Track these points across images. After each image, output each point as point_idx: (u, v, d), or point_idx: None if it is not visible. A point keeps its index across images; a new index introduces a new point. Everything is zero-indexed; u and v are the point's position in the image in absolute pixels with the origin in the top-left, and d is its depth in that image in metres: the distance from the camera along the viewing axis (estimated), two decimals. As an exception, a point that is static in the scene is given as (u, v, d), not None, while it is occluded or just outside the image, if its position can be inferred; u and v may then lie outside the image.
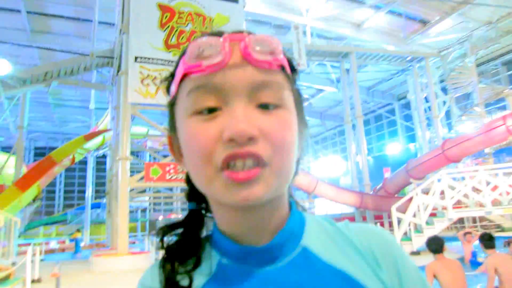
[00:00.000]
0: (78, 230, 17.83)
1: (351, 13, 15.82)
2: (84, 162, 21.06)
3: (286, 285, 0.54)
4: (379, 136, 25.99)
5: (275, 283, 0.54)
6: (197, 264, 0.57)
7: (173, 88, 0.55)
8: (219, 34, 0.53)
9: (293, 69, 0.58)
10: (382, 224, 12.77)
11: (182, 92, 0.53)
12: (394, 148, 23.63)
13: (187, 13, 9.89)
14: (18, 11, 13.35)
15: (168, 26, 9.69)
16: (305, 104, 0.62)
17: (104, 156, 20.56)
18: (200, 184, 0.53)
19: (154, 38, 9.53)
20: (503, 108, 14.84)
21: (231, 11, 10.43)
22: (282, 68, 0.54)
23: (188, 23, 9.88)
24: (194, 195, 0.61)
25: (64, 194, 30.11)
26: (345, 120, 14.68)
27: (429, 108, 16.02)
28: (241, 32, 0.54)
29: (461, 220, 13.36)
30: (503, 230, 12.45)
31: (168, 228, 0.61)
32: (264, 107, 0.51)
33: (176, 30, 9.76)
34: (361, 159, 14.09)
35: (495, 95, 14.20)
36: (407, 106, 21.06)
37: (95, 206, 22.29)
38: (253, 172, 0.49)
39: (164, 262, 0.58)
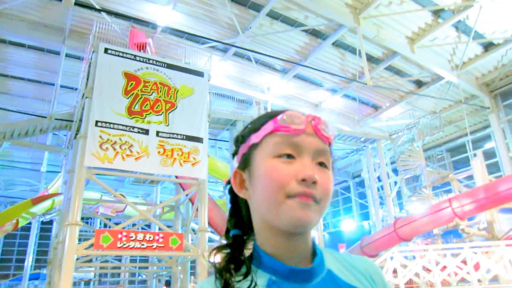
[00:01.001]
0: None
1: (310, 94, 16.90)
2: (27, 228, 19.61)
3: None
4: (334, 212, 26.33)
5: None
6: (248, 272, 0.74)
7: (259, 136, 0.78)
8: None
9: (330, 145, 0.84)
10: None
11: (267, 141, 0.77)
12: (349, 224, 23.90)
13: (152, 82, 10.12)
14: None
15: (133, 94, 9.80)
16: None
17: (50, 223, 19.28)
18: (268, 206, 0.74)
19: (117, 104, 9.55)
20: (449, 191, 15.69)
21: (196, 83, 10.81)
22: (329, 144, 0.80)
23: (152, 92, 10.07)
24: (238, 224, 0.83)
25: (0, 263, 27.37)
26: (302, 195, 14.87)
27: (382, 187, 16.64)
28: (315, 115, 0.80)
29: (413, 301, 13.27)
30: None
31: (220, 248, 0.79)
32: (320, 164, 0.76)
33: (140, 98, 9.88)
34: (317, 234, 14.11)
35: (441, 178, 15.02)
36: (362, 184, 21.82)
37: (33, 277, 20.31)
38: (310, 200, 0.72)
39: (221, 271, 0.74)
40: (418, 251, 10.41)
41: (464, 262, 9.48)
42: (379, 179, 17.14)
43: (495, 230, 11.95)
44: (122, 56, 9.89)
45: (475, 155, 15.03)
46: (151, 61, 10.29)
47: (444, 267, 9.63)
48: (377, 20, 12.48)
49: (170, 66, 10.57)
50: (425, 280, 9.81)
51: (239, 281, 0.72)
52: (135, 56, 10.08)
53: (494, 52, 14.30)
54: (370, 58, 14.40)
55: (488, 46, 14.39)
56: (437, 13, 12.70)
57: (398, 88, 16.03)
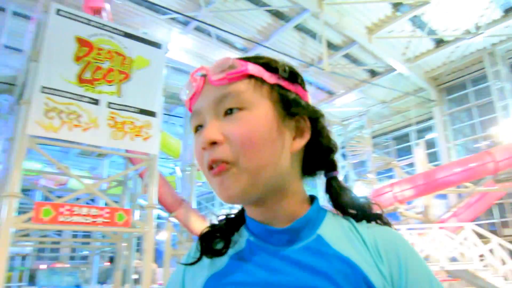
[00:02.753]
0: None
1: (268, 75, 16.83)
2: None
3: (298, 264, 0.65)
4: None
5: (289, 261, 0.66)
6: (227, 245, 0.72)
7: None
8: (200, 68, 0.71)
9: (276, 69, 0.70)
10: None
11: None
12: (296, 206, 24.57)
13: (106, 50, 9.53)
14: None
15: (84, 61, 9.18)
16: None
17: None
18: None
19: (66, 71, 8.90)
20: (391, 177, 16.57)
21: (153, 55, 10.34)
22: (251, 76, 0.66)
23: (106, 61, 9.49)
24: None
25: None
26: (254, 175, 14.98)
27: (331, 171, 17.13)
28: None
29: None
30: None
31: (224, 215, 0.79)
32: (229, 112, 0.64)
33: (92, 66, 9.29)
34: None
35: (385, 165, 15.83)
36: (311, 167, 22.39)
37: (-38, 250, 18.91)
38: (220, 167, 0.63)
39: (204, 234, 0.75)
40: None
41: (402, 243, 10.17)
42: (328, 163, 17.60)
43: (430, 214, 12.88)
44: (76, 20, 9.18)
45: (417, 144, 15.95)
46: (106, 28, 9.65)
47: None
48: (340, 7, 12.59)
49: (127, 35, 9.97)
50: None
51: (219, 244, 0.73)
52: (89, 20, 9.40)
53: (444, 48, 15.05)
54: (329, 45, 14.56)
55: (439, 42, 15.10)
56: (397, 6, 13.06)
57: (353, 76, 16.44)
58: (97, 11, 10.29)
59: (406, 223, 12.68)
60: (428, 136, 18.59)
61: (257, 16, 13.26)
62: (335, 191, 0.80)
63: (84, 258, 21.33)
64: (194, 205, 12.18)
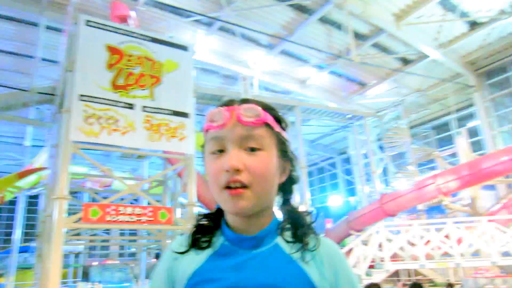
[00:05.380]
0: (0, 276, 15.97)
1: (296, 70, 16.73)
2: (13, 202, 19.44)
3: (261, 264, 0.87)
4: (321, 188, 26.67)
5: (255, 261, 0.88)
6: (210, 242, 0.93)
7: (204, 137, 0.93)
8: (228, 103, 0.92)
9: (279, 121, 0.93)
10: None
11: (207, 139, 0.91)
12: (335, 200, 24.24)
13: (136, 56, 9.88)
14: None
15: (116, 68, 9.58)
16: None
17: (36, 197, 19.13)
18: (214, 195, 0.89)
19: (101, 78, 9.32)
20: (433, 168, 15.96)
21: (181, 58, 10.60)
22: (267, 124, 0.89)
23: (137, 66, 9.85)
24: None
25: (-12, 237, 27.15)
26: (289, 171, 14.93)
27: (368, 164, 16.80)
28: (239, 103, 0.91)
29: (396, 274, 13.68)
30: (435, 285, 12.86)
31: (203, 215, 0.99)
32: (251, 150, 0.86)
33: (125, 72, 9.69)
34: (304, 209, 14.22)
35: (426, 156, 15.27)
36: (348, 160, 22.04)
37: (22, 249, 20.18)
38: (239, 191, 0.84)
39: (194, 231, 0.96)
40: (403, 226, 10.63)
41: (447, 236, 9.75)
42: (365, 156, 17.27)
43: (477, 206, 12.28)
44: (104, 29, 9.60)
45: (459, 133, 15.28)
46: (134, 35, 10.02)
47: (428, 241, 9.89)
48: (364, -5, 12.31)
49: (154, 40, 10.28)
50: (410, 254, 10.08)
51: (204, 241, 0.92)
52: (117, 28, 9.79)
53: (479, 30, 14.22)
54: (357, 35, 14.25)
55: (474, 25, 14.34)
56: (425, -11, 12.58)
57: (384, 65, 15.99)
58: (124, 19, 10.70)
59: (452, 216, 12.17)
60: (470, 124, 17.72)
61: (279, 12, 13.21)
62: (290, 209, 0.99)
63: (132, 255, 22.17)
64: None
